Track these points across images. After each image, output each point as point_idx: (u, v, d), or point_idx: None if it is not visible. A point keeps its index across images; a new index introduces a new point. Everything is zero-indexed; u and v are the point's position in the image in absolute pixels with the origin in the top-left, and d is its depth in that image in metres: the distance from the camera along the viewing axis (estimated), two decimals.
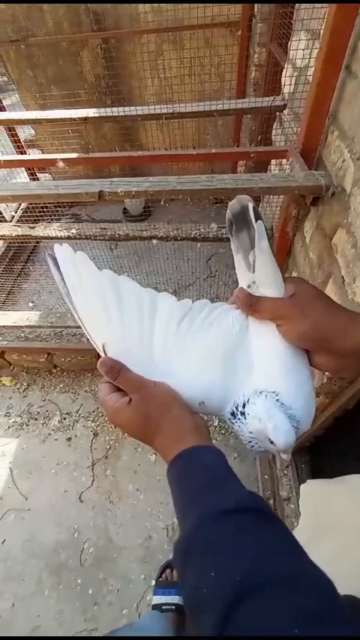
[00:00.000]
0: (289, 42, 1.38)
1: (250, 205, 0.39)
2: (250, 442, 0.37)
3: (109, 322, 0.38)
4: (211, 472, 0.33)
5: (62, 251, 0.39)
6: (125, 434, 1.67)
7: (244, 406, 0.36)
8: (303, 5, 1.14)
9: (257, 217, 0.39)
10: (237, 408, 0.37)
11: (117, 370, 0.37)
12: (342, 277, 0.79)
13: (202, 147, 2.68)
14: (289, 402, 0.35)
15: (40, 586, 1.31)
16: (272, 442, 0.34)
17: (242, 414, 0.36)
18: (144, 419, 0.36)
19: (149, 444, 0.38)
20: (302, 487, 0.83)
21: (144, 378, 0.37)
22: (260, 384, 0.37)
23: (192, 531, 0.28)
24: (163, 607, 1.13)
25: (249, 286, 0.40)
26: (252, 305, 0.39)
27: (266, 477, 1.42)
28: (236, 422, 0.37)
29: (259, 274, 0.40)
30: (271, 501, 1.35)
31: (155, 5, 2.19)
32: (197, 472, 0.33)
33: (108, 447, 1.61)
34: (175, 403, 0.37)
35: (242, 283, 0.41)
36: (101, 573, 1.32)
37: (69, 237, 1.77)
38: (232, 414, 0.37)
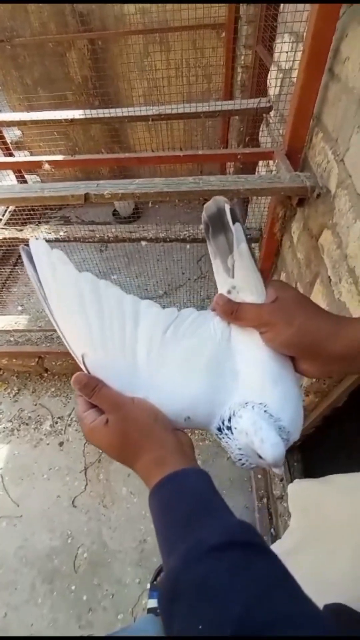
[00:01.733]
0: (274, 44, 1.39)
1: (227, 207, 0.37)
2: (240, 459, 0.34)
3: (89, 330, 0.35)
4: (196, 500, 0.30)
5: (38, 247, 0.36)
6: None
7: (229, 420, 0.34)
8: (287, 8, 1.15)
9: (235, 219, 0.37)
10: (223, 422, 0.34)
11: (92, 387, 0.34)
12: (329, 277, 0.80)
13: (190, 149, 2.69)
14: (277, 413, 0.33)
15: (34, 594, 1.29)
16: (260, 457, 0.32)
17: (229, 428, 0.34)
18: (122, 442, 0.33)
19: (129, 467, 0.35)
20: (290, 487, 0.83)
21: (122, 396, 0.34)
22: (246, 395, 0.34)
23: (177, 574, 0.26)
24: (158, 611, 1.13)
25: (229, 292, 0.38)
26: (233, 312, 0.37)
27: (259, 476, 1.43)
28: (223, 437, 0.35)
29: (238, 279, 0.38)
30: (265, 500, 1.36)
31: (141, 5, 2.19)
32: (181, 500, 0.30)
33: (101, 450, 1.60)
34: (157, 422, 0.34)
35: (222, 289, 0.39)
36: (95, 578, 1.31)
37: (57, 240, 1.75)
38: (219, 429, 0.35)
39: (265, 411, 0.33)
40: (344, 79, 0.75)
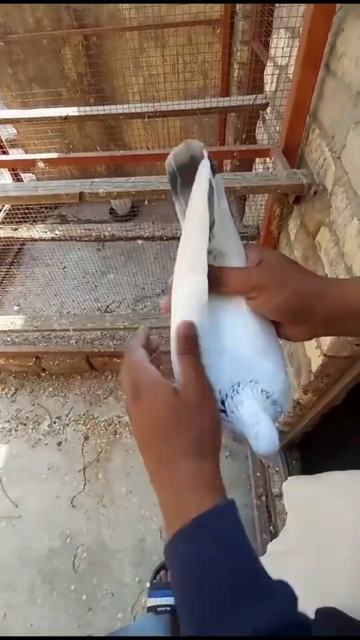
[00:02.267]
0: (270, 40, 1.38)
1: (205, 154, 0.31)
2: (230, 436, 0.33)
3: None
4: (237, 563, 0.24)
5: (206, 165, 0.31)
6: (120, 436, 1.68)
7: (222, 403, 0.31)
8: (282, 3, 1.14)
9: (214, 170, 0.31)
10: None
11: (192, 345, 0.30)
12: (326, 274, 0.79)
13: None
14: (269, 387, 0.31)
15: (33, 594, 1.29)
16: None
17: (223, 411, 0.31)
18: (177, 429, 0.28)
19: (151, 458, 0.29)
20: (284, 485, 0.82)
21: (210, 386, 0.30)
22: (235, 373, 0.32)
23: None
24: (158, 609, 1.13)
25: None
26: (217, 277, 0.32)
27: (258, 474, 1.43)
28: None
29: (218, 242, 0.33)
30: (263, 498, 1.36)
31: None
32: (220, 562, 0.24)
33: (99, 450, 1.60)
34: (217, 436, 0.29)
35: None
36: (95, 578, 1.31)
37: (53, 239, 1.74)
38: None
39: (262, 391, 0.31)
40: (340, 75, 0.74)
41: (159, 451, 0.28)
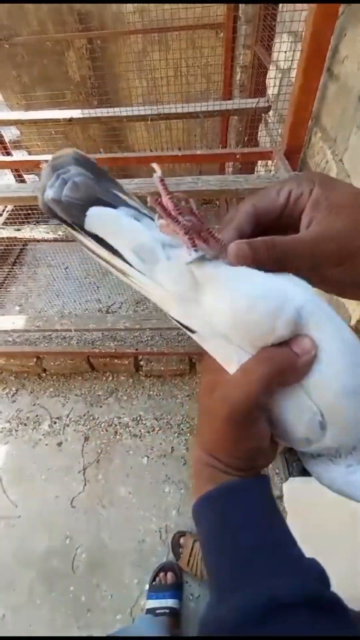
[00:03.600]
0: (272, 44, 1.39)
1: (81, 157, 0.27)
2: None
3: None
4: (264, 527, 0.25)
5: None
6: (120, 437, 1.68)
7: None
8: (285, 7, 1.15)
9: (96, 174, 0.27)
10: None
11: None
12: None
13: (189, 149, 2.69)
14: None
15: (32, 595, 1.29)
16: None
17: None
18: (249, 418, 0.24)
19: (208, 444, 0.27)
20: (285, 485, 0.84)
21: None
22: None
23: (237, 627, 0.21)
24: (157, 611, 1.13)
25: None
26: (272, 252, 0.23)
27: None
28: None
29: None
30: None
31: (140, 5, 2.18)
32: (246, 527, 0.24)
33: (99, 450, 1.60)
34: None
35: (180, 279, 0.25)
36: (94, 579, 1.30)
37: (55, 240, 1.75)
38: None
39: None
40: (342, 79, 0.74)
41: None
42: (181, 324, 0.26)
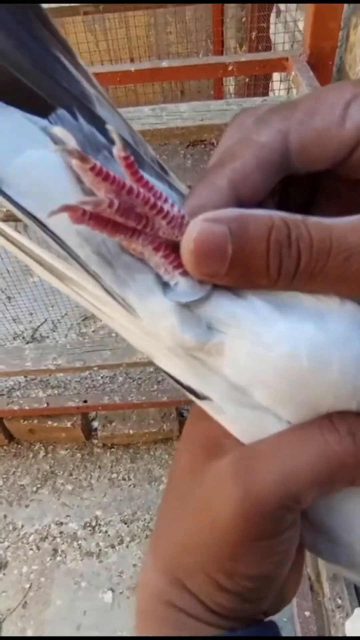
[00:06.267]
0: None
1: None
2: None
3: None
4: None
5: None
6: (63, 557, 1.09)
7: None
8: None
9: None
10: None
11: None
12: None
13: (162, 56, 1.76)
14: None
15: None
16: None
17: None
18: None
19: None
20: (347, 623, 0.74)
21: None
22: None
23: None
24: None
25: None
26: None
27: None
28: None
29: None
30: None
31: None
32: None
33: (28, 585, 1.06)
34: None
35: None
36: None
37: None
38: None
39: None
40: None
41: None
42: (179, 382, 0.17)
